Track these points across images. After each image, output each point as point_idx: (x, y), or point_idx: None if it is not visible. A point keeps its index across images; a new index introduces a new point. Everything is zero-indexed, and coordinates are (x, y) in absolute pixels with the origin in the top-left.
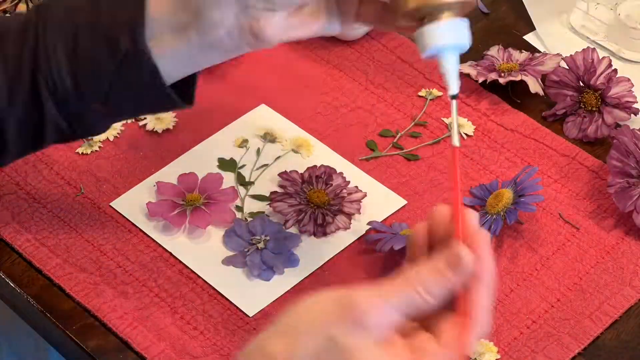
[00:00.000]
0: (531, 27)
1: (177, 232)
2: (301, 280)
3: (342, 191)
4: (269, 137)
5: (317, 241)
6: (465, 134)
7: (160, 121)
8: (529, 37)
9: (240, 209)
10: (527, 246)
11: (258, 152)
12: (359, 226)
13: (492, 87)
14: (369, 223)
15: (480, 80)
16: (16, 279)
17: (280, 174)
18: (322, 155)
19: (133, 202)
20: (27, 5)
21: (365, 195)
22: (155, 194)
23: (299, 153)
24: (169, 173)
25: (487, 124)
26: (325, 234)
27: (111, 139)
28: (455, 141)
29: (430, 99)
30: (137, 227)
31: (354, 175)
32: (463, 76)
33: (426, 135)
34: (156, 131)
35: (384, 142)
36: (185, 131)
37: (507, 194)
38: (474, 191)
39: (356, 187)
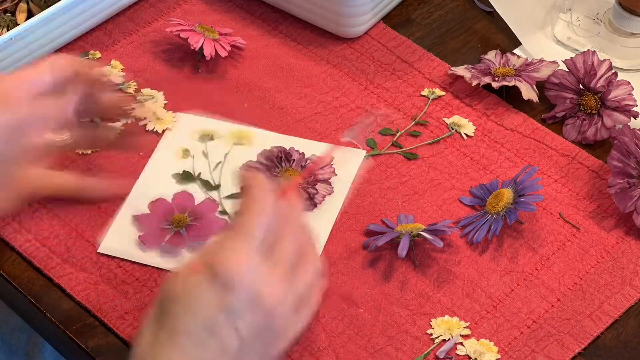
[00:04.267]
0: None
1: (181, 251)
2: None
3: (307, 163)
4: (206, 138)
5: (310, 215)
6: (466, 134)
7: (161, 121)
8: (517, 52)
9: (224, 212)
10: (527, 246)
11: (204, 154)
12: (338, 189)
13: (492, 87)
14: (368, 226)
15: (474, 83)
16: (16, 279)
17: (242, 167)
18: (265, 138)
19: (119, 241)
20: (28, 4)
21: (332, 159)
22: (140, 227)
23: (243, 144)
24: (135, 204)
25: (487, 124)
26: (315, 205)
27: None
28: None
29: (433, 99)
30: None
31: (305, 146)
32: (459, 77)
33: (426, 134)
34: (156, 131)
35: (384, 141)
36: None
37: (507, 194)
38: (474, 191)
39: (313, 155)
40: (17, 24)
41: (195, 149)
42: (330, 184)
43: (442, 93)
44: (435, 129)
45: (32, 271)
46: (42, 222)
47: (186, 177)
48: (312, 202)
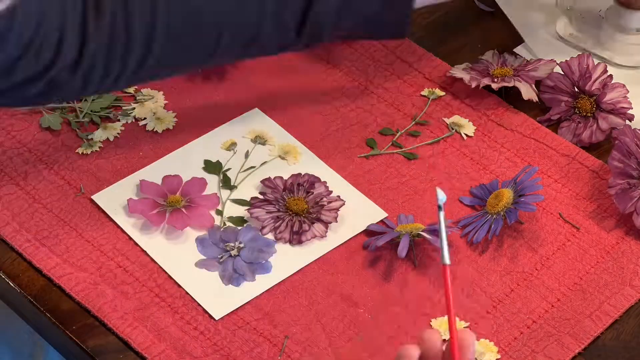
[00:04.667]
0: None
1: (155, 231)
2: (271, 287)
3: (322, 199)
4: (259, 140)
5: (292, 249)
6: (465, 134)
7: (161, 121)
8: (519, 50)
9: (220, 212)
10: (527, 246)
11: (247, 154)
12: (335, 237)
13: (491, 88)
14: (368, 226)
15: (473, 85)
16: (16, 279)
17: (262, 181)
18: (307, 163)
19: (114, 197)
20: None
21: (343, 204)
22: (138, 192)
23: (285, 159)
24: (154, 171)
25: (487, 124)
26: (300, 242)
27: (111, 139)
28: (446, 259)
29: (433, 99)
30: (114, 221)
31: (338, 185)
32: (458, 79)
33: (426, 134)
34: (156, 131)
35: (384, 141)
36: (186, 131)
37: (508, 194)
38: (474, 191)
39: (338, 196)
40: None
41: (242, 145)
42: (327, 227)
43: (442, 93)
44: (435, 129)
45: (32, 271)
46: (42, 222)
47: (213, 167)
48: (297, 238)
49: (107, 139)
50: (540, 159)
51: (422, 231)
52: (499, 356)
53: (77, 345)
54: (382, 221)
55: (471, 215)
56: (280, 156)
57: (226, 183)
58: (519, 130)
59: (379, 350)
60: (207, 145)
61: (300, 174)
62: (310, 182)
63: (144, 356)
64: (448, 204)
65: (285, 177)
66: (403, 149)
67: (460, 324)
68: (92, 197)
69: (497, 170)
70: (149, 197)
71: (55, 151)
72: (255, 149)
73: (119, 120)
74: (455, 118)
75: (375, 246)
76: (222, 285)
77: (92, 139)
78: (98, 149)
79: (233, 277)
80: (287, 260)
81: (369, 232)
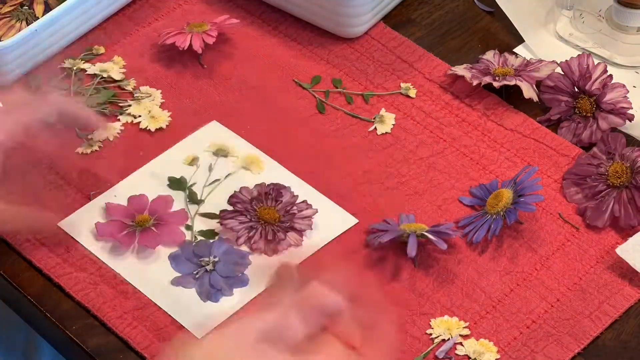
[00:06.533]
0: None
1: (126, 252)
2: (251, 300)
3: (293, 208)
4: (221, 153)
5: (268, 259)
6: (376, 128)
7: (155, 120)
8: (519, 50)
9: (190, 227)
10: (527, 246)
11: (210, 167)
12: (309, 244)
13: (491, 87)
14: (371, 225)
15: (475, 83)
16: (16, 279)
17: (230, 198)
18: (272, 171)
19: (82, 222)
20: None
21: (316, 212)
22: (105, 215)
23: (249, 170)
24: (119, 193)
25: (487, 124)
26: (276, 251)
27: (111, 139)
28: None
29: (405, 94)
30: (84, 247)
31: (304, 191)
32: (459, 77)
33: (373, 109)
34: (149, 129)
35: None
36: (185, 130)
37: (507, 194)
38: (474, 191)
39: (305, 201)
40: (35, 17)
41: (204, 160)
42: (301, 236)
43: (413, 96)
44: (374, 109)
45: (32, 271)
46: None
47: (178, 183)
48: (273, 247)
49: (107, 139)
50: (540, 159)
51: (425, 231)
52: (498, 356)
53: (77, 345)
54: (384, 220)
55: (471, 215)
56: (243, 167)
57: (192, 198)
58: (519, 130)
59: None
60: (169, 162)
61: (264, 183)
62: (276, 191)
63: (143, 356)
64: (448, 204)
65: (252, 186)
66: (334, 105)
67: (460, 324)
68: (58, 224)
69: (497, 170)
70: (116, 219)
71: (55, 151)
72: (218, 162)
73: (119, 120)
74: (387, 115)
75: (379, 242)
76: (201, 302)
77: (92, 138)
78: (98, 149)
79: (211, 293)
80: (264, 270)
81: (373, 232)
